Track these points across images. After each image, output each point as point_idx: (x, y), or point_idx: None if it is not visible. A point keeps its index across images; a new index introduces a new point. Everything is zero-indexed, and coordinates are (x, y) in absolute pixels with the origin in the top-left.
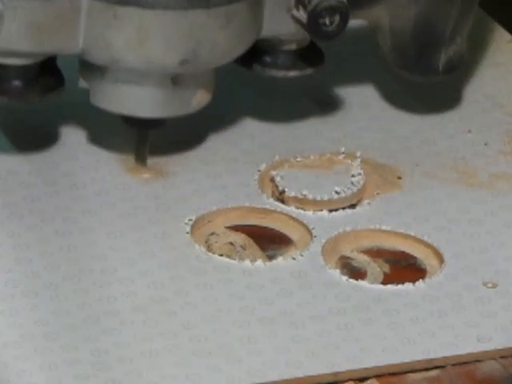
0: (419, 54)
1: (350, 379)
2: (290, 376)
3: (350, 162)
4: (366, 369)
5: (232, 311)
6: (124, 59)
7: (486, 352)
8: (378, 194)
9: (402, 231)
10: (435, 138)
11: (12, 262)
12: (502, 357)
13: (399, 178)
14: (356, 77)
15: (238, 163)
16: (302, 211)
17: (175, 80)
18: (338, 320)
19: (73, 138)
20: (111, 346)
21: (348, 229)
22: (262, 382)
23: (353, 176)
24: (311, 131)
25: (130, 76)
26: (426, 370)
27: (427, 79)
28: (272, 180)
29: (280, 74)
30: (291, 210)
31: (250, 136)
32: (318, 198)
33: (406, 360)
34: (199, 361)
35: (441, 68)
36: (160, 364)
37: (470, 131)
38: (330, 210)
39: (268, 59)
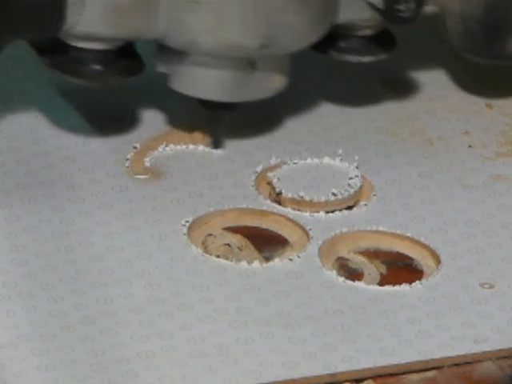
0: (489, 39)
1: (347, 380)
2: (286, 377)
3: (347, 163)
4: (362, 370)
5: (229, 312)
6: (203, 43)
7: (483, 353)
8: (374, 195)
9: (398, 232)
10: (432, 139)
11: (9, 263)
12: (499, 358)
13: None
14: (353, 79)
15: (234, 164)
16: (298, 212)
17: (253, 64)
18: (335, 321)
19: (70, 139)
20: (108, 346)
21: (345, 230)
22: (259, 382)
23: (350, 178)
24: (308, 133)
25: (208, 60)
26: (423, 370)
27: (495, 63)
28: (269, 181)
29: (355, 59)
30: (288, 211)
31: (247, 137)
32: (315, 200)
33: (403, 361)
34: (196, 362)
35: (509, 52)
36: (157, 365)
37: (466, 132)
38: (327, 212)
39: (343, 44)
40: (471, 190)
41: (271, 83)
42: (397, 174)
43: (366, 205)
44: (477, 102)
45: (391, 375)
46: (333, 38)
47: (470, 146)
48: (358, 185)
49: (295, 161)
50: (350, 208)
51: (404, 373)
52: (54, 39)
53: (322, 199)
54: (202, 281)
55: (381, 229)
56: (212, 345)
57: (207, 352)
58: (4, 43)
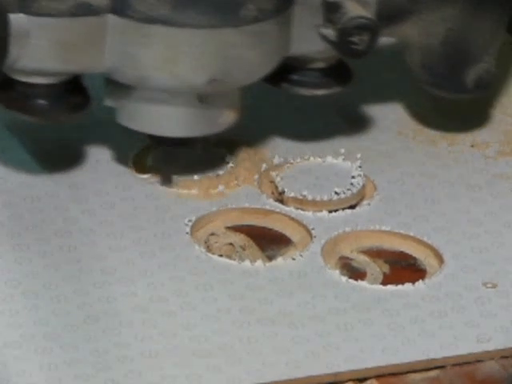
0: (449, 72)
1: (350, 379)
2: (289, 376)
3: (349, 163)
4: (365, 369)
5: (232, 311)
6: (152, 78)
7: (486, 352)
8: (377, 194)
9: (401, 231)
10: (435, 138)
11: (12, 262)
12: (502, 357)
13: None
14: (356, 79)
15: (237, 164)
16: (301, 212)
17: (203, 98)
18: (338, 320)
19: (73, 137)
20: (111, 346)
21: (348, 229)
22: (262, 382)
23: (353, 177)
24: (311, 132)
25: (157, 95)
26: (426, 370)
27: (457, 97)
28: (272, 181)
29: (308, 92)
30: (291, 210)
31: (250, 136)
32: (318, 199)
33: (406, 360)
34: (199, 361)
35: (470, 85)
36: (160, 364)
37: (469, 131)
38: (330, 211)
39: (296, 77)
40: (474, 190)
41: (222, 118)
42: (400, 174)
43: (368, 204)
44: (480, 102)
45: (394, 375)
46: (285, 70)
47: (472, 146)
48: (361, 184)
49: (298, 160)
50: (352, 207)
51: (407, 372)
52: None
53: (325, 198)
54: (205, 280)
55: (384, 228)
56: (215, 344)
57: (210, 351)
58: None
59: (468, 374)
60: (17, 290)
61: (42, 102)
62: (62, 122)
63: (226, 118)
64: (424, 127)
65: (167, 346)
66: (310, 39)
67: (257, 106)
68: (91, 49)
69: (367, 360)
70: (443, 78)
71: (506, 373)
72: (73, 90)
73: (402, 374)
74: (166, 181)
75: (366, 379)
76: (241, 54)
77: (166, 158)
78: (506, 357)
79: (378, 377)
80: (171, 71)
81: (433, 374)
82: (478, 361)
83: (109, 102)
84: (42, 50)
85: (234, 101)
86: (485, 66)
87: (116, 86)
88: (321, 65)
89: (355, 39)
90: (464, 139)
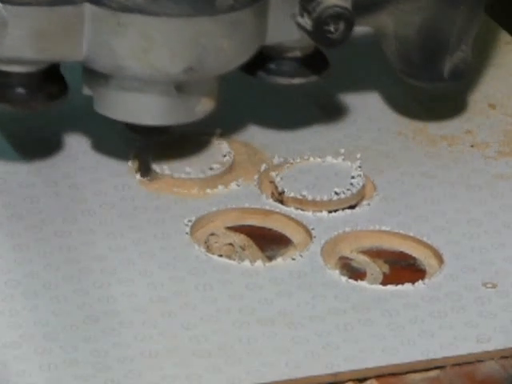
0: (424, 61)
1: (350, 380)
2: (289, 376)
3: (349, 163)
4: (365, 369)
5: (231, 312)
6: (128, 67)
7: (486, 352)
8: (377, 195)
9: (401, 232)
10: (434, 138)
11: (12, 262)
12: (502, 357)
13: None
14: (356, 78)
15: (237, 164)
16: (301, 212)
17: (179, 87)
18: (338, 320)
19: (72, 138)
20: (111, 346)
21: (347, 229)
22: (262, 382)
23: (352, 177)
24: (311, 132)
25: (133, 83)
26: (426, 370)
27: (433, 86)
28: (272, 181)
29: (284, 81)
30: (291, 210)
31: (250, 137)
32: (318, 199)
33: (406, 360)
34: (199, 361)
35: (446, 75)
36: (160, 364)
37: (469, 131)
38: (330, 211)
39: (272, 66)
40: (474, 190)
41: (199, 106)
42: (399, 174)
43: (368, 204)
44: (479, 102)
45: (394, 375)
46: (262, 59)
47: (472, 146)
48: (361, 184)
49: (298, 160)
50: (352, 207)
51: (407, 372)
52: None
53: (325, 198)
54: (205, 280)
55: (383, 228)
56: (215, 344)
57: (210, 351)
58: None
59: (468, 374)
60: (17, 290)
61: (19, 90)
62: (39, 111)
63: (203, 107)
64: (424, 127)
65: (167, 346)
66: (286, 28)
67: (257, 106)
68: (68, 38)
69: (367, 360)
70: (419, 67)
71: (505, 373)
72: (50, 79)
73: (401, 374)
74: (144, 170)
75: (365, 379)
76: (217, 42)
77: (142, 147)
78: (506, 357)
79: (377, 377)
80: (147, 60)
81: (433, 374)
82: (478, 361)
83: (86, 91)
84: (19, 39)
85: (211, 89)
86: (461, 55)
87: (93, 74)
88: (297, 54)
89: (331, 28)
90: (464, 139)
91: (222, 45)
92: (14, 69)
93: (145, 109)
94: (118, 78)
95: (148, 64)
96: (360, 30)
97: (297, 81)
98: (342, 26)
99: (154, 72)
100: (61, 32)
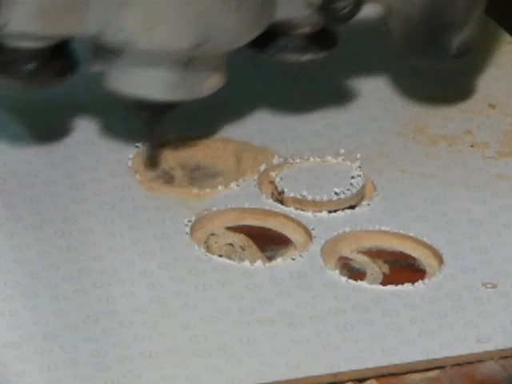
0: (430, 38)
1: (350, 380)
2: (289, 376)
3: (349, 163)
4: (365, 369)
5: (231, 312)
6: (136, 42)
7: (486, 353)
8: (377, 195)
9: (401, 232)
10: (434, 138)
11: (11, 262)
12: (502, 357)
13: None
14: (356, 78)
15: (237, 164)
16: (301, 212)
17: (187, 63)
18: (338, 320)
19: (72, 138)
20: (111, 346)
21: (347, 229)
22: (262, 382)
23: (352, 177)
24: (311, 132)
25: (142, 59)
26: (426, 370)
27: (439, 64)
28: (271, 181)
29: (293, 57)
30: (290, 210)
31: (250, 137)
32: (318, 199)
33: (406, 360)
34: (199, 361)
35: (452, 52)
36: (160, 364)
37: (469, 132)
38: (330, 211)
39: (281, 43)
40: (474, 190)
41: (208, 82)
42: (399, 174)
43: (368, 204)
44: (479, 102)
45: (394, 375)
46: (270, 36)
47: (472, 146)
48: (361, 184)
49: (298, 160)
50: (352, 207)
51: (407, 372)
52: None
53: (325, 199)
54: (205, 280)
55: (383, 228)
56: (215, 344)
57: (210, 351)
58: None
59: (468, 374)
60: (16, 291)
61: (29, 66)
62: (48, 87)
63: (212, 84)
64: (424, 127)
65: (167, 346)
66: (294, 4)
67: (256, 106)
68: (76, 13)
69: (367, 360)
70: (424, 45)
71: (505, 373)
72: (60, 55)
73: (401, 374)
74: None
75: (365, 379)
76: (223, 19)
77: (149, 125)
78: (506, 357)
79: (377, 377)
80: (154, 36)
81: (432, 374)
82: (478, 361)
83: (96, 68)
84: (27, 14)
85: (220, 66)
86: (466, 32)
87: (102, 50)
88: (306, 30)
89: (339, 5)
90: (464, 139)
91: (228, 21)
92: (23, 44)
93: (154, 84)
94: (126, 53)
95: (155, 40)
96: (365, 17)
97: (305, 57)
98: (350, 2)
99: (160, 48)
100: (68, 7)
